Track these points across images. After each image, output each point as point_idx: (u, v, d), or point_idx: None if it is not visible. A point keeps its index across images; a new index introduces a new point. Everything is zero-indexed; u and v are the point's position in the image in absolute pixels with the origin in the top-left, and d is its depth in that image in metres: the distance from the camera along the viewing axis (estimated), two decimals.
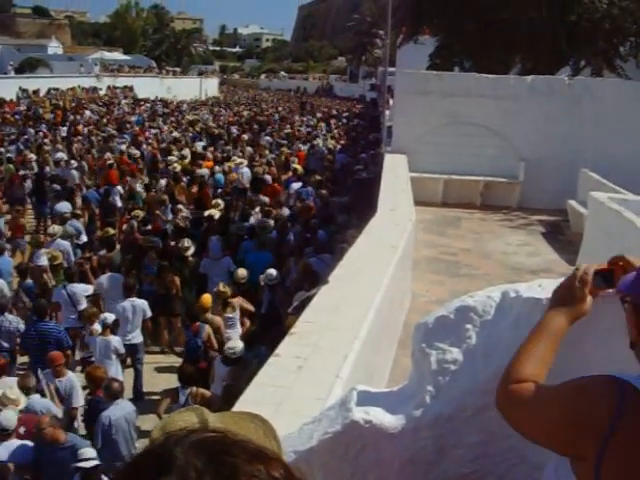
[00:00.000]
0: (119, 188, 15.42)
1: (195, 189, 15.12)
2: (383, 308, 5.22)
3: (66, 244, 11.48)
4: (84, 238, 12.86)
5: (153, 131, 26.49)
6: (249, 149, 21.42)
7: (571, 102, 14.27)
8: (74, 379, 7.43)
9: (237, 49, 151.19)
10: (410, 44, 23.06)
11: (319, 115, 38.04)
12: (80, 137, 23.70)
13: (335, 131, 29.61)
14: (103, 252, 11.18)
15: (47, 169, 17.20)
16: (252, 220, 12.27)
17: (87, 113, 31.79)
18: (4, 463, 5.69)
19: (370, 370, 4.81)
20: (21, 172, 16.75)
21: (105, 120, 29.47)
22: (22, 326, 8.52)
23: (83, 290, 9.65)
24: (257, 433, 1.13)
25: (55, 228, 11.91)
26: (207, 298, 8.67)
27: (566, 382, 1.51)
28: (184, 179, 15.84)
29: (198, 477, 0.83)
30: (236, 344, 7.36)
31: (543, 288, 1.89)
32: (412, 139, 14.55)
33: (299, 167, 17.38)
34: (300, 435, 2.27)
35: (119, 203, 14.90)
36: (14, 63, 47.14)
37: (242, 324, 8.97)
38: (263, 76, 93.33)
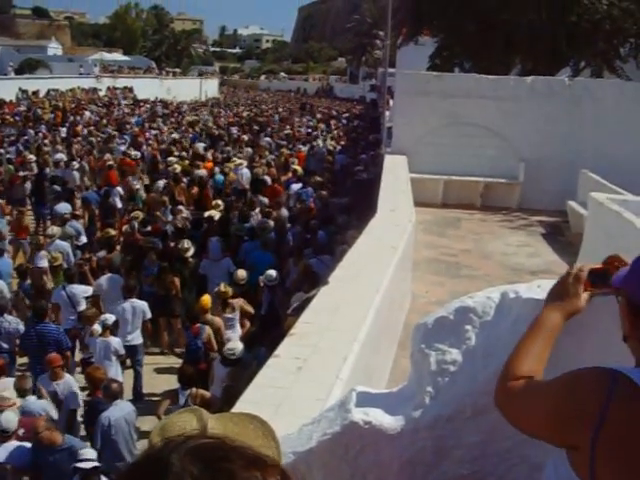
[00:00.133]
0: (119, 189, 15.42)
1: (195, 190, 15.12)
2: (383, 309, 5.22)
3: (65, 245, 11.47)
4: (84, 239, 12.85)
5: (153, 132, 26.50)
6: (249, 150, 21.42)
7: (571, 103, 14.27)
8: (71, 382, 7.41)
9: (237, 50, 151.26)
10: (410, 45, 23.09)
11: (319, 116, 38.04)
12: (80, 138, 23.70)
13: (335, 132, 29.61)
14: (102, 253, 11.17)
15: (47, 170, 17.20)
16: (252, 221, 12.26)
17: (87, 114, 31.79)
18: (3, 465, 5.68)
19: (370, 371, 4.80)
20: (21, 173, 16.74)
21: (105, 121, 29.48)
22: (21, 327, 8.50)
23: (82, 291, 9.64)
24: (256, 434, 1.13)
25: (54, 229, 11.90)
26: (207, 299, 8.66)
27: (561, 375, 1.54)
28: (184, 180, 15.85)
29: None
30: (235, 345, 7.35)
31: (542, 289, 1.89)
32: (412, 140, 14.55)
33: (299, 168, 17.38)
34: (299, 436, 2.27)
35: (119, 204, 14.89)
36: (14, 64, 47.12)
37: (242, 325, 8.97)
38: (263, 77, 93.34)
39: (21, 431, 5.94)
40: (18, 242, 12.82)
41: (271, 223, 11.79)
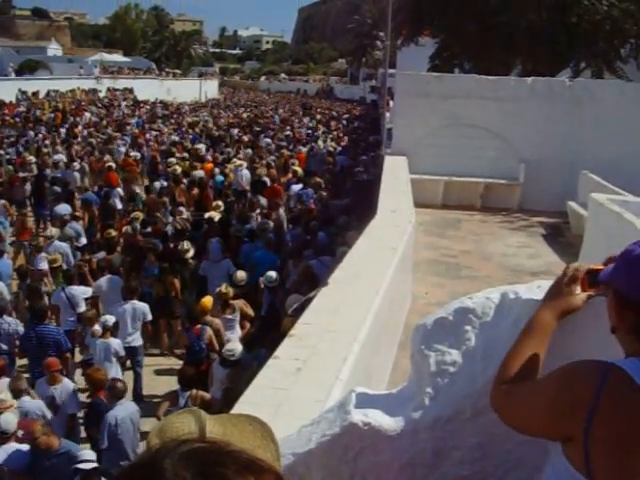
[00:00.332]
0: (119, 190, 15.42)
1: (196, 191, 15.12)
2: (383, 310, 5.22)
3: (65, 246, 11.46)
4: (83, 240, 12.84)
5: (153, 133, 26.51)
6: (249, 151, 21.42)
7: (571, 104, 14.27)
8: (70, 386, 7.37)
9: (237, 51, 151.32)
10: (410, 46, 23.05)
11: (318, 117, 38.05)
12: (79, 139, 23.71)
13: (335, 133, 29.62)
14: (102, 254, 11.16)
15: (47, 171, 17.20)
16: (252, 222, 12.25)
17: (87, 115, 31.81)
18: (0, 467, 5.67)
19: (370, 372, 4.80)
20: (20, 174, 16.74)
21: (105, 122, 29.50)
22: (21, 328, 8.49)
23: (82, 292, 9.64)
24: (255, 435, 1.12)
25: (52, 230, 11.90)
26: (208, 300, 8.65)
27: (555, 369, 1.57)
28: (184, 181, 15.84)
29: None
30: (235, 346, 7.34)
31: (542, 289, 1.89)
32: (412, 141, 14.55)
33: (299, 169, 17.38)
34: (299, 437, 2.27)
35: (119, 205, 14.89)
36: (14, 65, 47.15)
37: (242, 327, 8.95)
38: (263, 78, 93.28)
39: (20, 432, 5.93)
40: (19, 244, 12.82)
41: (271, 224, 11.79)
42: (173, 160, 18.08)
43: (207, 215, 12.41)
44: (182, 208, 13.29)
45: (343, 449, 2.11)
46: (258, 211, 13.01)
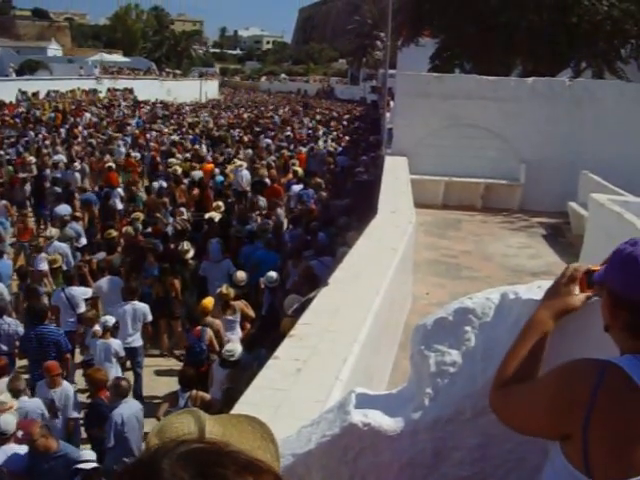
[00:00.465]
0: (119, 190, 15.42)
1: (196, 191, 15.12)
2: (383, 310, 5.21)
3: (64, 246, 11.45)
4: (83, 241, 12.84)
5: (154, 133, 26.52)
6: (249, 151, 21.43)
7: (572, 104, 14.27)
8: (69, 389, 7.36)
9: (237, 51, 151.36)
10: (411, 46, 23.05)
11: (319, 117, 38.06)
12: (79, 139, 23.72)
13: (335, 133, 29.63)
14: (102, 255, 11.15)
15: (47, 172, 17.20)
16: (252, 223, 12.25)
17: (87, 115, 31.82)
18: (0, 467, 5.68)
19: (370, 373, 4.79)
20: (20, 175, 16.74)
21: (105, 122, 29.50)
22: (21, 329, 8.48)
23: (82, 293, 9.63)
24: (255, 436, 1.12)
25: (52, 231, 11.89)
26: (209, 302, 8.64)
27: (553, 368, 1.58)
28: (185, 181, 15.84)
29: None
30: (234, 347, 7.34)
31: (542, 290, 1.89)
32: (413, 141, 14.55)
33: (300, 169, 17.38)
34: (299, 438, 2.27)
35: (119, 206, 14.88)
36: (14, 65, 47.16)
37: (243, 328, 8.94)
38: (263, 78, 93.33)
39: (20, 433, 5.93)
40: (20, 244, 12.81)
41: (271, 224, 11.79)
42: (173, 160, 18.08)
43: (207, 216, 12.41)
44: (182, 209, 13.30)
45: (343, 450, 2.10)
46: (258, 212, 13.00)
